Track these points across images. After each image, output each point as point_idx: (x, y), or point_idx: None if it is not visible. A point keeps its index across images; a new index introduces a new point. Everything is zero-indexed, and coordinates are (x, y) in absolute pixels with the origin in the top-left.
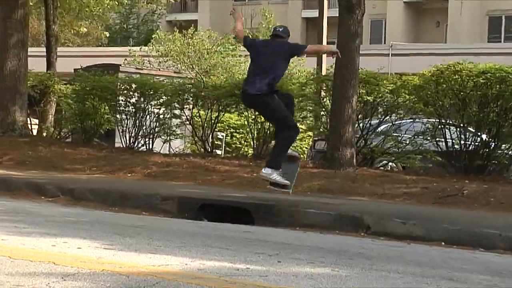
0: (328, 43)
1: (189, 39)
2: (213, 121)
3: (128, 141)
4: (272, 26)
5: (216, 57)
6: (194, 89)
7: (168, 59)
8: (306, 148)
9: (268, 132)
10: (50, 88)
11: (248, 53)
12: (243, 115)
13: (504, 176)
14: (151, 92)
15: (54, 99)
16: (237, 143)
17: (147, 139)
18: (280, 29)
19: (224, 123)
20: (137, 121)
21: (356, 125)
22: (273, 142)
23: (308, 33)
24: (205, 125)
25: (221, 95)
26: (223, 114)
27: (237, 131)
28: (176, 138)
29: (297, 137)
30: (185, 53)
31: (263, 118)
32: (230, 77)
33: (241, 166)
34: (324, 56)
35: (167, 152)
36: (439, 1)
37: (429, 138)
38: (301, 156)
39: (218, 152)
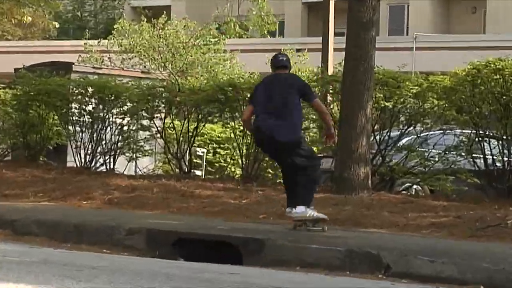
0: (336, 34)
1: (160, 30)
2: (191, 134)
3: (83, 160)
4: (266, 13)
5: (195, 52)
6: (167, 94)
7: (133, 55)
8: None
9: None
10: None
11: (236, 50)
12: (229, 126)
13: None
14: (112, 98)
15: None
16: (222, 161)
17: (107, 157)
18: (284, 58)
19: (205, 136)
20: (95, 135)
21: (372, 137)
22: (266, 159)
23: (310, 21)
24: (181, 139)
25: (201, 100)
26: (204, 125)
27: (222, 146)
28: (144, 155)
29: None
30: (155, 48)
31: None
32: (212, 78)
33: (227, 190)
34: (330, 51)
35: (133, 173)
36: None
37: (463, 153)
38: None
39: (198, 172)
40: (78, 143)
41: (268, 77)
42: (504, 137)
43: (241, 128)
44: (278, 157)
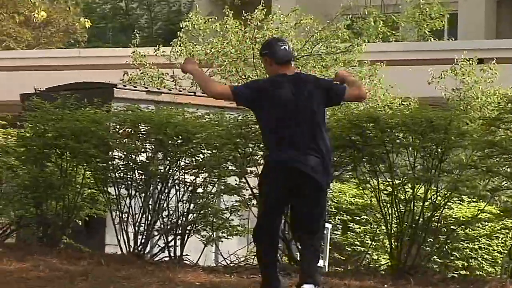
0: None
1: (256, 31)
2: None
3: (133, 242)
4: (426, 1)
5: (312, 66)
6: None
7: (214, 71)
8: (500, 254)
9: (419, 219)
10: None
11: (380, 61)
12: (369, 186)
13: None
14: (180, 141)
15: None
16: (357, 243)
17: (171, 238)
18: (287, 46)
19: (330, 202)
20: (151, 201)
21: None
22: (430, 240)
23: (500, 15)
24: None
25: None
26: None
27: (357, 218)
28: (231, 234)
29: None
30: (248, 60)
31: (405, 194)
32: (341, 107)
33: None
34: None
35: (213, 264)
36: None
37: None
38: (493, 271)
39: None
40: (125, 215)
41: (275, 81)
42: None
43: (389, 189)
44: (283, 205)
